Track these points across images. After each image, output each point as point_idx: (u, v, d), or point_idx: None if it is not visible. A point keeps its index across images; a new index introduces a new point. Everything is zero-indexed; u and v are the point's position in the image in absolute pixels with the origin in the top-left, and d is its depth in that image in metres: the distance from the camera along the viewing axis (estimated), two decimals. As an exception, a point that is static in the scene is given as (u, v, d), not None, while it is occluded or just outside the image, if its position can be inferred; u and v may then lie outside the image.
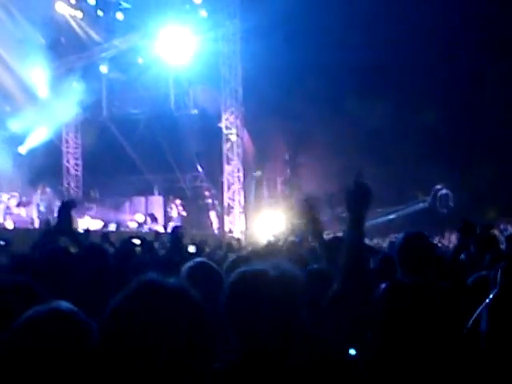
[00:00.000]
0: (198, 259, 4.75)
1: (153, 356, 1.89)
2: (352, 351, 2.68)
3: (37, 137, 26.45)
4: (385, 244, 16.29)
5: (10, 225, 20.67)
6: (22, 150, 26.36)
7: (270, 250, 8.73)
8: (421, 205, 28.16)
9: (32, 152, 26.35)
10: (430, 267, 4.50)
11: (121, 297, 1.99)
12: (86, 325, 2.34)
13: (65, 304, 2.44)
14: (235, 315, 2.58)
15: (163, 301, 1.97)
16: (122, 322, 1.94)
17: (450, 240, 19.70)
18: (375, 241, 20.35)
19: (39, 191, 23.18)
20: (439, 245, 16.29)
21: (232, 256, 6.21)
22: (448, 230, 21.53)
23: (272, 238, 15.27)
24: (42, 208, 22.30)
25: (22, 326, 2.33)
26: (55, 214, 21.98)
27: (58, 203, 24.91)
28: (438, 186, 27.93)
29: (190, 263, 4.45)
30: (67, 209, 5.01)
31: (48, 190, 23.69)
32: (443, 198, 27.86)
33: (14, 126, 24.82)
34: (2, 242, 9.61)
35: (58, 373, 2.21)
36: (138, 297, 1.97)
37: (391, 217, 26.72)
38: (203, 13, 25.73)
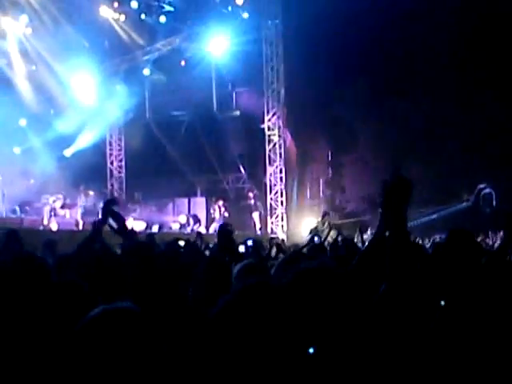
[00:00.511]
0: (249, 260, 4.73)
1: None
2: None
3: (82, 140, 26.76)
4: (427, 244, 16.12)
5: (54, 226, 20.93)
6: (67, 152, 26.69)
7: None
8: (464, 204, 27.80)
9: (76, 154, 26.68)
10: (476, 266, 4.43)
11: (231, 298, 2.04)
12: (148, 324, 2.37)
13: (128, 304, 2.45)
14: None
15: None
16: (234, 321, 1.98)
17: (494, 240, 19.40)
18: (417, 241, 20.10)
19: (82, 194, 23.47)
20: (483, 244, 16.04)
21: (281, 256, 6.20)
22: (491, 229, 21.18)
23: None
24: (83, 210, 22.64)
25: (92, 325, 2.34)
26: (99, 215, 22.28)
27: (101, 205, 25.27)
28: (482, 185, 27.55)
29: (244, 264, 4.43)
30: (109, 206, 5.03)
31: (91, 192, 23.95)
32: (487, 197, 27.48)
33: (59, 128, 25.11)
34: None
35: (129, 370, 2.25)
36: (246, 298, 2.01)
37: (433, 217, 26.41)
38: (245, 14, 25.80)
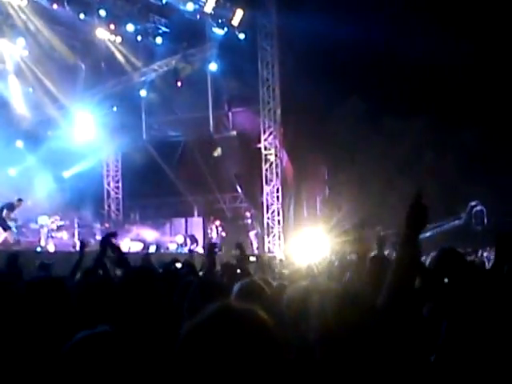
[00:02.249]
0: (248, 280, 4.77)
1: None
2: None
3: (80, 161, 26.83)
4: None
5: (51, 248, 20.91)
6: (66, 174, 26.74)
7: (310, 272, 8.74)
8: (456, 222, 27.87)
9: (74, 175, 26.73)
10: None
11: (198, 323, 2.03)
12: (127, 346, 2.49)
13: (104, 327, 2.58)
14: None
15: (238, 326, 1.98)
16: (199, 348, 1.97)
17: (484, 257, 19.39)
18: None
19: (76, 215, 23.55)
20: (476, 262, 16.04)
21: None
22: (483, 247, 21.22)
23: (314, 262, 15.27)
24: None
25: (73, 349, 2.53)
26: (96, 237, 22.27)
27: (98, 226, 25.29)
28: (473, 203, 27.61)
29: (241, 283, 4.47)
30: (108, 239, 5.12)
31: (86, 213, 23.98)
32: (478, 214, 27.55)
33: (56, 150, 25.13)
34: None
35: None
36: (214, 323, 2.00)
37: (427, 235, 26.45)
38: (241, 35, 25.91)
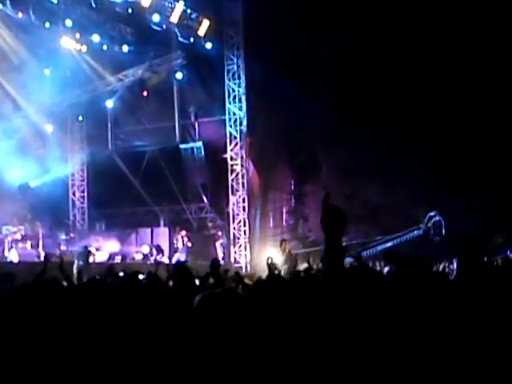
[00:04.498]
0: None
1: None
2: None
3: (45, 171, 26.65)
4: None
5: (15, 258, 20.72)
6: (32, 183, 26.55)
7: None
8: (415, 232, 28.13)
9: (40, 185, 26.54)
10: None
11: None
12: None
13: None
14: None
15: None
16: None
17: (444, 268, 19.63)
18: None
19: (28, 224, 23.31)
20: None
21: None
22: (440, 258, 21.43)
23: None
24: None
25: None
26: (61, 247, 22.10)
27: (63, 236, 25.09)
28: (432, 213, 27.89)
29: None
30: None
31: (37, 222, 23.69)
32: (437, 225, 27.82)
33: (22, 160, 24.95)
34: None
35: None
36: None
37: (388, 245, 26.69)
38: (208, 45, 25.91)
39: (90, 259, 19.37)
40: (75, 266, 16.98)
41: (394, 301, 4.64)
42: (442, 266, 20.60)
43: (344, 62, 26.33)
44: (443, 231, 27.57)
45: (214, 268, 8.28)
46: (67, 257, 20.67)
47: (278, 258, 18.29)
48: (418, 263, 4.76)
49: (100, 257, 23.46)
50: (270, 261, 12.28)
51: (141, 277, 8.12)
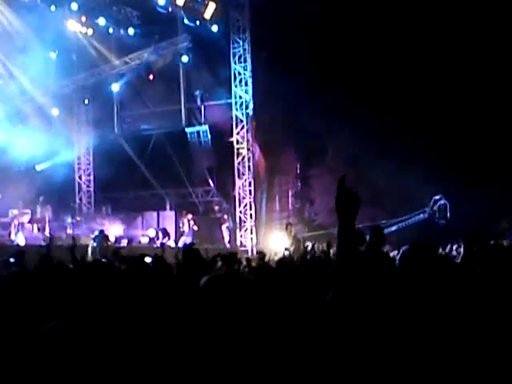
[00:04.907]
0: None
1: None
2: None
3: (51, 154, 26.64)
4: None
5: (22, 241, 20.76)
6: (39, 167, 26.56)
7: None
8: (421, 216, 28.09)
9: (46, 169, 26.56)
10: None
11: None
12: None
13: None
14: None
15: None
16: None
17: (451, 252, 19.56)
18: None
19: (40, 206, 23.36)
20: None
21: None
22: (446, 242, 21.41)
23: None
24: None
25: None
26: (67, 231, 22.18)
27: (69, 220, 25.12)
28: (437, 197, 27.83)
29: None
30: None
31: (58, 206, 23.79)
32: (442, 208, 27.77)
33: (28, 143, 24.92)
34: (11, 259, 9.64)
35: None
36: None
37: (393, 229, 26.67)
38: (214, 27, 25.82)
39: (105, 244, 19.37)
40: (90, 250, 17.06)
41: (402, 285, 4.64)
42: (449, 249, 20.54)
43: (351, 44, 26.23)
44: (448, 215, 27.54)
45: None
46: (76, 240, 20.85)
47: (285, 242, 18.36)
48: (423, 247, 4.76)
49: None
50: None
51: (147, 260, 8.11)
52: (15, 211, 22.24)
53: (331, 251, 13.56)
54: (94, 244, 17.62)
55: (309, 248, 15.61)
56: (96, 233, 18.69)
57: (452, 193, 27.10)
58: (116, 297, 3.38)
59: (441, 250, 20.52)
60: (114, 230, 24.91)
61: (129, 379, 3.07)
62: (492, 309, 4.03)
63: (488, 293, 4.57)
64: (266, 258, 13.22)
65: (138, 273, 6.43)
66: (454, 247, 19.33)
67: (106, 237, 19.20)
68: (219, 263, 11.63)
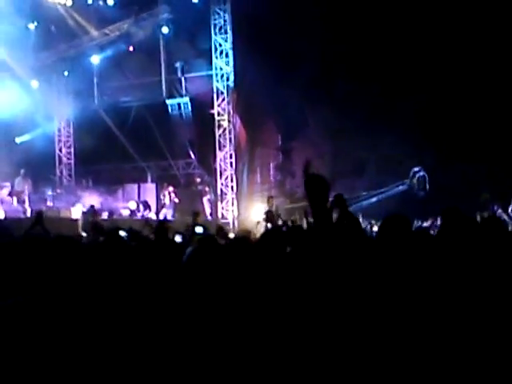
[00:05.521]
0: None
1: None
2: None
3: (31, 126, 26.49)
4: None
5: (1, 214, 20.67)
6: (18, 140, 26.39)
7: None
8: (400, 187, 28.24)
9: (26, 141, 26.40)
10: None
11: None
12: None
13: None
14: None
15: None
16: None
17: (430, 224, 19.75)
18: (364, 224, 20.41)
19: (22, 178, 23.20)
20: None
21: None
22: (427, 213, 21.57)
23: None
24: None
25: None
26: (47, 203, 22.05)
27: (49, 192, 25.00)
28: (416, 168, 27.97)
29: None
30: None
31: (38, 179, 23.66)
32: (421, 179, 27.94)
33: (7, 116, 24.72)
34: None
35: None
36: None
37: (373, 200, 26.83)
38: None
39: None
40: (80, 225, 17.18)
41: (377, 256, 4.68)
42: (430, 223, 20.74)
43: (331, 17, 26.13)
44: (427, 186, 27.70)
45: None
46: (52, 212, 20.84)
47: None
48: (398, 220, 4.80)
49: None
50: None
51: (122, 233, 8.10)
52: (-6, 184, 22.13)
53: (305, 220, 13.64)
54: (87, 220, 17.73)
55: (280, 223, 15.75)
56: (86, 207, 18.79)
57: (432, 165, 27.23)
58: (80, 272, 3.42)
59: (421, 222, 20.68)
60: (96, 202, 24.83)
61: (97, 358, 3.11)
62: (461, 281, 4.08)
63: (458, 266, 4.62)
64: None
65: (112, 247, 6.44)
66: (436, 223, 19.49)
67: (95, 211, 19.25)
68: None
